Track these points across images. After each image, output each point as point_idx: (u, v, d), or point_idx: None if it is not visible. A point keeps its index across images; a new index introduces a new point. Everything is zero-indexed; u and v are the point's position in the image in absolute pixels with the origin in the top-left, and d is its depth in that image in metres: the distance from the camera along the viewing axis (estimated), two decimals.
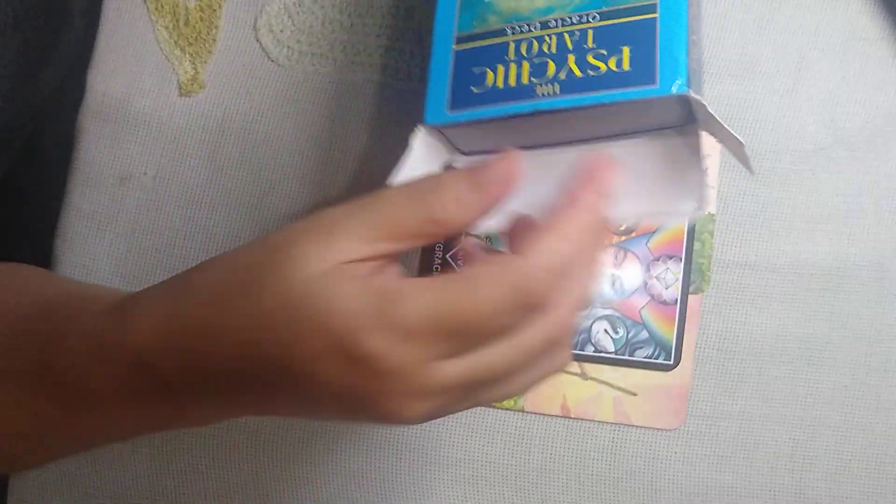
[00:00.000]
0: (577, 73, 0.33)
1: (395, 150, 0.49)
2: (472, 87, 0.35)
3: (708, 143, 0.48)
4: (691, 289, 0.47)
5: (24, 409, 0.35)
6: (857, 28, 0.48)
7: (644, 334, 0.47)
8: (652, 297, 0.47)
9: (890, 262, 0.47)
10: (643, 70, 0.32)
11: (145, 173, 0.50)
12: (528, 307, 0.28)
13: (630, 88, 0.32)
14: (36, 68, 0.48)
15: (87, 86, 0.50)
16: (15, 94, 0.47)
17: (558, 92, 0.33)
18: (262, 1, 0.51)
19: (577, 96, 0.33)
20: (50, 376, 0.34)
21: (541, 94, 0.33)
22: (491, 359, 0.29)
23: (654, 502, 0.47)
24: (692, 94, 0.32)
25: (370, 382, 0.28)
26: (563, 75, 0.33)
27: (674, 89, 0.32)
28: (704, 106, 0.32)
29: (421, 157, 0.36)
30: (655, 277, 0.47)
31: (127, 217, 0.50)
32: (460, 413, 0.48)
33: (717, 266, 0.47)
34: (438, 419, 0.48)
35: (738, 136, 0.33)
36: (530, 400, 0.47)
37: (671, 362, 0.47)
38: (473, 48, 0.35)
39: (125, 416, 0.34)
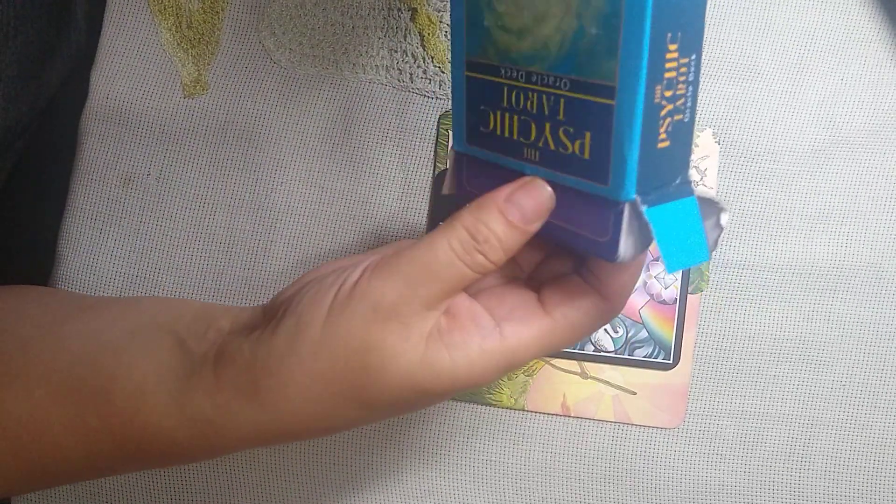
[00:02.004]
0: (552, 145, 0.32)
1: (397, 152, 0.50)
2: (480, 127, 0.35)
3: (706, 143, 0.48)
4: (690, 288, 0.47)
5: (76, 436, 0.36)
6: (855, 30, 0.49)
7: (643, 333, 0.47)
8: (651, 296, 0.47)
9: (888, 263, 0.47)
10: (599, 163, 0.30)
11: (148, 174, 0.50)
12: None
13: (587, 181, 0.31)
14: (38, 70, 0.49)
15: (90, 87, 0.51)
16: (17, 95, 0.47)
17: (537, 160, 0.33)
18: (265, 3, 0.51)
19: (550, 171, 0.32)
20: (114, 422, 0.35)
21: (526, 157, 0.33)
22: None
23: (653, 500, 0.47)
24: (639, 206, 0.29)
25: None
26: (541, 143, 0.32)
27: (621, 195, 0.30)
28: (649, 228, 0.30)
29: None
30: (654, 277, 0.47)
31: (130, 218, 0.50)
32: (461, 412, 0.48)
33: (715, 266, 0.48)
34: (440, 421, 0.48)
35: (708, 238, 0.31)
36: (530, 399, 0.47)
37: (670, 361, 0.47)
38: (479, 80, 0.34)
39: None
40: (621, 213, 0.30)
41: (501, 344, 0.32)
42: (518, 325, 0.32)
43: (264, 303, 0.36)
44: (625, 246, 0.30)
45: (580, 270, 0.34)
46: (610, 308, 0.33)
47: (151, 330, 0.36)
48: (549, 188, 0.32)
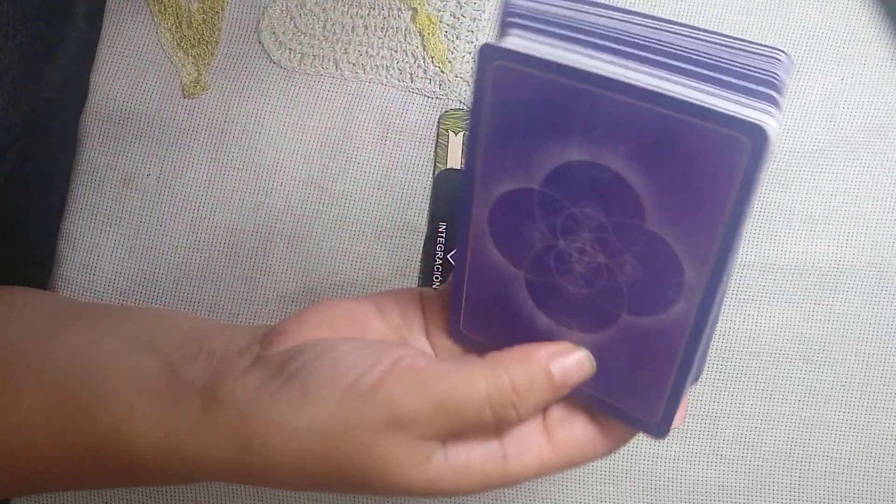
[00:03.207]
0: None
1: (397, 151, 0.49)
2: None
3: None
4: None
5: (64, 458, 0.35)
6: (855, 30, 0.49)
7: None
8: None
9: (888, 263, 0.47)
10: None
11: (148, 175, 0.50)
12: None
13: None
14: (39, 69, 0.49)
15: (90, 88, 0.51)
16: (17, 95, 0.47)
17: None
18: (265, 3, 0.51)
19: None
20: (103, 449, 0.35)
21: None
22: None
23: (652, 500, 0.47)
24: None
25: None
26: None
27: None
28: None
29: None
30: None
31: (130, 218, 0.50)
32: None
33: None
34: None
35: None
36: None
37: None
38: None
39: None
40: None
41: (504, 469, 0.31)
42: (520, 450, 0.31)
43: (264, 313, 0.36)
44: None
45: None
46: (614, 436, 0.32)
47: (140, 349, 0.35)
48: (592, 366, 0.32)
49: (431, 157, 0.49)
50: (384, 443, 0.30)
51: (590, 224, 0.29)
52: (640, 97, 0.26)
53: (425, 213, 0.49)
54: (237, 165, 0.50)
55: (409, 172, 0.49)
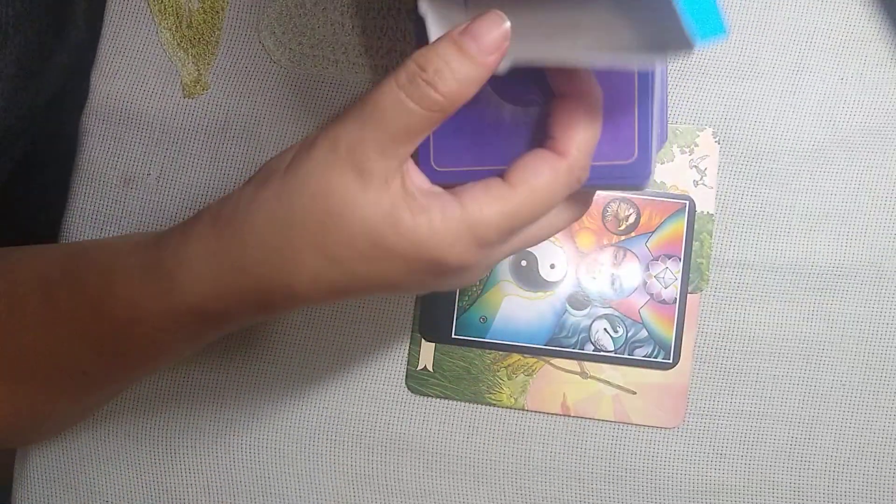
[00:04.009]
0: None
1: None
2: None
3: (706, 142, 0.48)
4: (690, 288, 0.47)
5: (81, 342, 0.37)
6: (855, 29, 0.48)
7: (643, 333, 0.47)
8: (651, 296, 0.47)
9: (888, 262, 0.47)
10: None
11: (148, 174, 0.50)
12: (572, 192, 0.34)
13: None
14: (38, 69, 0.49)
15: (90, 87, 0.51)
16: (17, 94, 0.47)
17: None
18: (265, 3, 0.51)
19: None
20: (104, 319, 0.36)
21: None
22: (532, 230, 0.34)
23: (652, 500, 0.47)
24: None
25: (451, 276, 0.33)
26: None
27: None
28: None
29: (437, 23, 0.34)
30: (654, 277, 0.47)
31: (130, 218, 0.50)
32: (460, 412, 0.48)
33: (715, 265, 0.48)
34: (440, 420, 0.48)
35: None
36: (530, 398, 0.47)
37: (670, 361, 0.47)
38: None
39: (169, 344, 0.37)
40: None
41: (462, 211, 0.31)
42: (477, 192, 0.31)
43: None
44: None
45: (542, 142, 0.33)
46: (568, 166, 0.32)
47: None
48: (508, 21, 0.31)
49: None
50: (337, 178, 0.31)
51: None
52: None
53: None
54: (237, 165, 0.50)
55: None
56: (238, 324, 0.35)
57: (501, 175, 0.32)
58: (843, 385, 0.47)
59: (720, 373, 0.47)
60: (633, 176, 0.33)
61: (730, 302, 0.48)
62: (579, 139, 0.32)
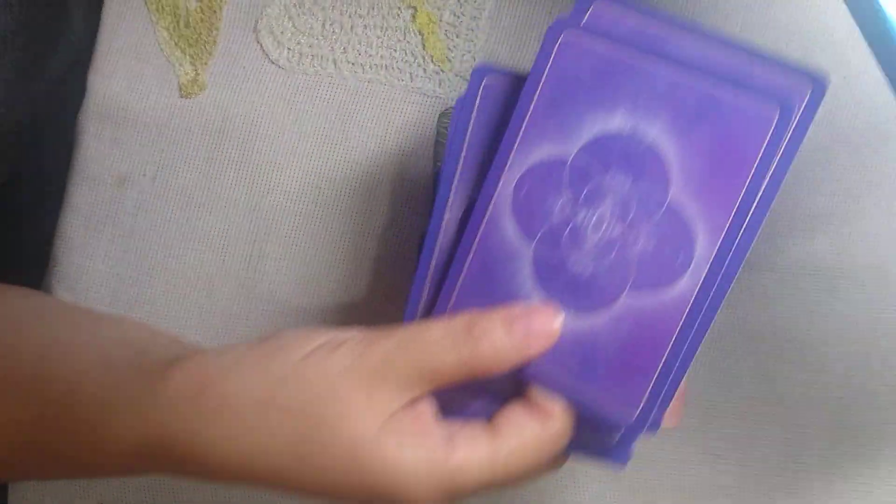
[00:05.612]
0: None
1: (396, 152, 0.49)
2: None
3: None
4: None
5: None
6: (856, 29, 0.49)
7: None
8: None
9: (889, 264, 0.47)
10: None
11: (144, 174, 0.50)
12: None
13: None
14: (37, 73, 0.48)
15: (87, 87, 0.50)
16: (15, 99, 0.47)
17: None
18: (263, 2, 0.51)
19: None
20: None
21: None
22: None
23: (648, 500, 0.47)
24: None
25: None
26: None
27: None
28: None
29: None
30: None
31: (125, 218, 0.50)
32: None
33: None
34: None
35: None
36: None
37: None
38: None
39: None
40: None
41: (448, 457, 0.31)
42: (466, 441, 0.31)
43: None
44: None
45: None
46: (554, 428, 0.32)
47: (116, 343, 0.36)
48: (560, 320, 0.32)
49: (431, 156, 0.49)
50: (346, 390, 0.30)
51: (615, 193, 0.31)
52: (684, 70, 0.30)
53: (426, 214, 0.49)
54: (234, 166, 0.50)
55: (409, 172, 0.49)
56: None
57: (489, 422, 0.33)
58: (840, 386, 0.47)
59: (718, 373, 0.47)
60: (613, 457, 0.33)
61: (729, 302, 0.47)
62: (562, 406, 0.32)
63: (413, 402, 0.31)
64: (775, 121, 0.28)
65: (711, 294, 0.30)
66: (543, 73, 0.32)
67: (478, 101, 0.34)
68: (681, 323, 0.31)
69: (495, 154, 0.33)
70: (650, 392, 0.31)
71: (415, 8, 0.49)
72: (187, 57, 0.51)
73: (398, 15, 0.50)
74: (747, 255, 0.29)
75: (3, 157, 0.49)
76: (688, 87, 0.30)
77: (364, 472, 0.30)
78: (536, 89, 0.32)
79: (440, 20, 0.49)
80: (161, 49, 0.51)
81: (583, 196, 0.32)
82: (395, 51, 0.50)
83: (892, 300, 0.47)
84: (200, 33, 0.51)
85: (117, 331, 0.38)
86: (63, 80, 0.52)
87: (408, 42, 0.50)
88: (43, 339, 0.37)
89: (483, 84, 0.34)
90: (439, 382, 0.31)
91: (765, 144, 0.29)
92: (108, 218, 0.50)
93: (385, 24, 0.50)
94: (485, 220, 0.33)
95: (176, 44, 0.51)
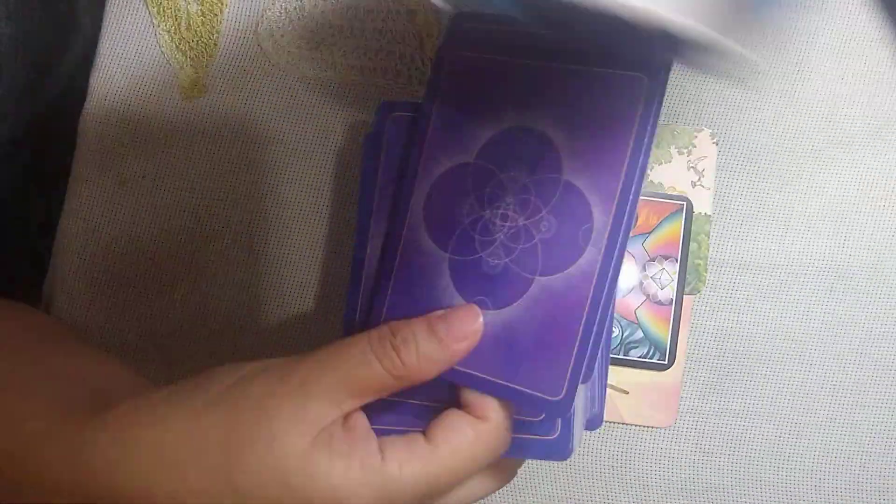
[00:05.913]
0: None
1: None
2: None
3: (704, 143, 0.48)
4: (687, 289, 0.47)
5: None
6: (855, 29, 0.48)
7: (639, 334, 0.47)
8: (647, 297, 0.47)
9: (886, 264, 0.47)
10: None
11: (143, 177, 0.50)
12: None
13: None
14: (43, 79, 0.49)
15: (89, 89, 0.51)
16: (21, 106, 0.47)
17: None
18: (264, 6, 0.51)
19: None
20: None
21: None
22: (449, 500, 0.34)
23: (643, 499, 0.47)
24: None
25: None
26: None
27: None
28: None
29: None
30: (651, 277, 0.47)
31: (123, 220, 0.50)
32: None
33: (712, 266, 0.47)
34: None
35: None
36: None
37: (665, 362, 0.47)
38: None
39: None
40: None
41: (382, 465, 0.31)
42: (399, 448, 0.31)
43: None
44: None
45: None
46: (489, 430, 0.32)
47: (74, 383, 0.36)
48: (480, 320, 0.33)
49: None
50: (275, 407, 0.30)
51: (513, 187, 0.33)
52: (560, 60, 0.32)
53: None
54: (234, 168, 0.50)
55: None
56: None
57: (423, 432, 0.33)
58: (835, 386, 0.47)
59: (714, 372, 0.47)
60: (555, 452, 0.34)
61: (726, 302, 0.47)
62: (495, 405, 0.33)
63: (345, 416, 0.32)
64: (645, 87, 0.31)
65: (614, 259, 0.32)
66: (437, 92, 0.35)
67: (385, 136, 0.37)
68: (591, 292, 0.32)
69: (404, 177, 0.35)
70: (573, 364, 0.32)
71: (413, 11, 0.49)
72: (188, 60, 0.51)
73: (396, 18, 0.50)
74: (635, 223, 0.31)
75: (12, 161, 0.50)
76: (561, 73, 0.32)
77: (297, 489, 0.30)
78: (430, 111, 0.35)
79: (439, 23, 0.49)
80: (162, 51, 0.51)
81: (486, 196, 0.34)
82: (394, 54, 0.50)
83: (889, 300, 0.47)
84: (201, 36, 0.51)
85: (76, 370, 0.39)
86: (71, 83, 0.53)
87: (407, 45, 0.50)
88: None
89: (390, 118, 0.37)
90: (369, 394, 0.32)
91: (640, 109, 0.31)
92: (107, 220, 0.50)
93: (384, 28, 0.50)
94: (402, 239, 0.35)
95: (177, 46, 0.51)
